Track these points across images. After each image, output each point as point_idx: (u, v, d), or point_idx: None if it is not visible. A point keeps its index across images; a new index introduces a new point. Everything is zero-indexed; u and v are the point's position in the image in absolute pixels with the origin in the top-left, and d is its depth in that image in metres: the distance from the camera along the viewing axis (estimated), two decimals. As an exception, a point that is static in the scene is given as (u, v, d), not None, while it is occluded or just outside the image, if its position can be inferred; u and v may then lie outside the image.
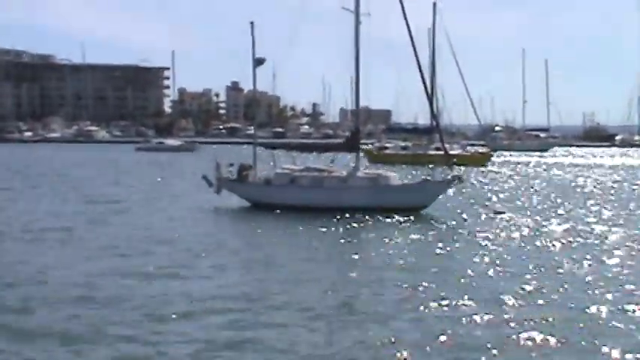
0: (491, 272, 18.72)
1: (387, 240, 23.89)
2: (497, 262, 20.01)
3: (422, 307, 15.13)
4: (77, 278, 17.76)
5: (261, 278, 18.27)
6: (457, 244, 23.25)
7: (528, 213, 31.35)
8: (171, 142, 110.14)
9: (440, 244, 23.09)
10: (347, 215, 29.13)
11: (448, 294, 16.10)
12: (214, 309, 15.08)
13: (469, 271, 18.67)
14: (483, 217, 29.91)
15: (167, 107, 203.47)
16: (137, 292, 16.29)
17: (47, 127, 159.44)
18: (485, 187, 46.11)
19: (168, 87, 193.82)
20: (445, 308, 15.08)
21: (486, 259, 20.41)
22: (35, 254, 21.16)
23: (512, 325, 13.88)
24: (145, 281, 17.57)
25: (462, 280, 17.65)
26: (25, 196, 37.80)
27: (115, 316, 14.37)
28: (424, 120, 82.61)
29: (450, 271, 18.91)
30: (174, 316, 14.39)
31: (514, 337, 13.16)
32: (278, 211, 30.31)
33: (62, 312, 14.76)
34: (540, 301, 15.65)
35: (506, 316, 14.47)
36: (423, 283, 17.17)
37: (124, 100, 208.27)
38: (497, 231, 25.86)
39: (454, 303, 15.41)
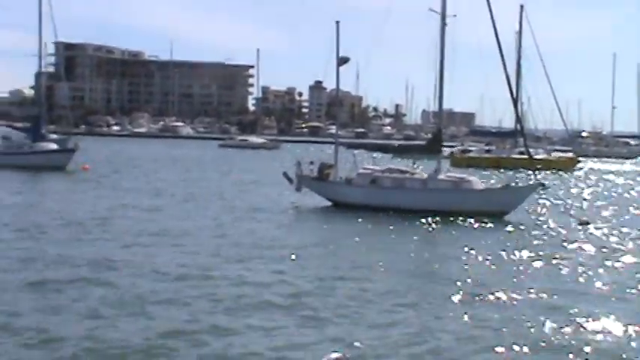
0: (570, 285, 18.24)
1: (465, 244, 23.57)
2: (577, 275, 19.42)
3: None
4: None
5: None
6: (538, 253, 22.68)
7: (616, 225, 30.15)
8: (254, 139, 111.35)
9: (520, 252, 22.62)
10: (427, 218, 28.89)
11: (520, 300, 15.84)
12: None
13: (547, 283, 18.28)
14: (567, 226, 29.15)
15: (251, 105, 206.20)
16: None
17: (134, 122, 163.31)
18: (571, 194, 44.98)
19: (252, 85, 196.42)
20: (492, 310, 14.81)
21: (566, 271, 19.90)
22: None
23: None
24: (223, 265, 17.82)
25: (538, 291, 17.26)
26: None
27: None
28: (508, 123, 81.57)
29: (527, 280, 18.52)
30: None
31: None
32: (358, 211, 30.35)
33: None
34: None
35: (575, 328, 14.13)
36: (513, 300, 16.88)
37: (209, 97, 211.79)
38: (582, 242, 25.04)
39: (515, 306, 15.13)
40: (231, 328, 13.50)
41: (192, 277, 17.49)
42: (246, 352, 12.25)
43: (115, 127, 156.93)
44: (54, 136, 59.34)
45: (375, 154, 36.84)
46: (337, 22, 36.19)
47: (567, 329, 13.86)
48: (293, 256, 20.52)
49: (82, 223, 25.78)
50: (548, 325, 14.06)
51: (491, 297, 16.26)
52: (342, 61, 35.95)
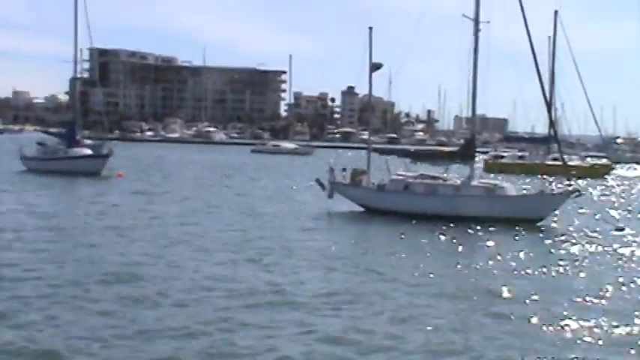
0: (607, 292, 17.98)
1: (499, 251, 23.38)
2: (614, 281, 19.16)
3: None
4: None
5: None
6: (572, 260, 22.44)
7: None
8: (286, 145, 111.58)
9: (554, 259, 22.42)
10: (460, 224, 28.72)
11: (554, 309, 15.68)
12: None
13: (581, 288, 18.08)
14: (602, 232, 28.84)
15: (283, 111, 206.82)
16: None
17: (168, 128, 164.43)
18: (605, 201, 44.53)
19: (284, 90, 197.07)
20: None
21: (601, 279, 19.58)
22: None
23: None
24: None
25: (573, 297, 17.07)
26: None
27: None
28: (541, 129, 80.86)
29: (560, 288, 18.32)
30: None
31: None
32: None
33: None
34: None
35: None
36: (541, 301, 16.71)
37: (241, 103, 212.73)
38: (617, 249, 24.78)
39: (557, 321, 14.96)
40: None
41: (217, 278, 17.62)
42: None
43: (149, 133, 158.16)
44: (88, 142, 59.83)
45: (406, 160, 36.65)
46: (370, 29, 36.16)
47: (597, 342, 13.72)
48: (323, 262, 20.52)
49: (106, 228, 25.98)
50: (573, 337, 13.94)
51: (520, 304, 16.14)
52: (375, 67, 35.87)
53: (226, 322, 14.12)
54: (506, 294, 17.22)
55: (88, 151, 54.18)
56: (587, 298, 16.93)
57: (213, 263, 20.01)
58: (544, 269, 20.64)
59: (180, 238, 24.04)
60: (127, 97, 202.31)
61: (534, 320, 14.91)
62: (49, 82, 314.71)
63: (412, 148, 73.40)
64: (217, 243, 23.49)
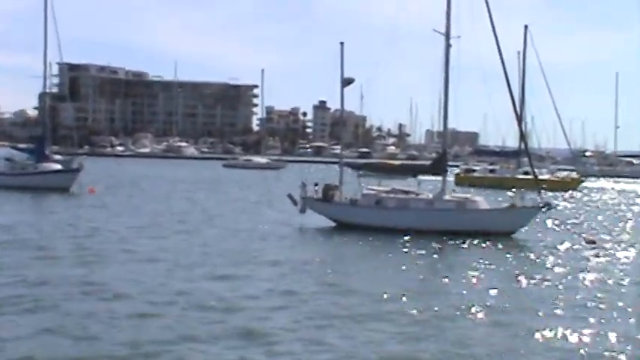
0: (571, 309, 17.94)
1: (470, 265, 23.37)
2: (584, 297, 19.12)
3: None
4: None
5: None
6: (544, 273, 22.46)
7: (621, 244, 30.23)
8: (258, 159, 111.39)
9: (526, 273, 22.39)
10: (432, 238, 28.71)
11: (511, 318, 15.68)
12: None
13: (553, 305, 18.06)
14: (574, 246, 29.00)
15: (255, 125, 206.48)
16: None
17: (138, 142, 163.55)
18: (576, 214, 44.87)
19: (256, 105, 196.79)
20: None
21: (573, 293, 19.57)
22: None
23: None
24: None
25: (541, 313, 17.02)
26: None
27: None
28: (512, 142, 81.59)
29: (533, 302, 18.31)
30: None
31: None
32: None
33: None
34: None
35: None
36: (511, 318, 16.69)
37: (212, 118, 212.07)
38: (589, 262, 24.92)
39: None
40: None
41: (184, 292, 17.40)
42: None
43: (119, 148, 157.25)
44: (58, 157, 59.19)
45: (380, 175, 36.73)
46: (342, 44, 36.30)
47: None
48: (291, 275, 20.47)
49: (67, 242, 25.73)
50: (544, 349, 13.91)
51: (492, 319, 16.11)
52: (347, 82, 35.97)
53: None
54: (465, 309, 17.05)
55: (58, 166, 53.57)
56: (556, 311, 16.93)
57: (172, 278, 19.81)
58: (512, 283, 20.66)
59: (145, 254, 23.76)
60: (97, 112, 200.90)
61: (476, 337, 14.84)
62: (17, 97, 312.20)
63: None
64: (185, 257, 23.23)
